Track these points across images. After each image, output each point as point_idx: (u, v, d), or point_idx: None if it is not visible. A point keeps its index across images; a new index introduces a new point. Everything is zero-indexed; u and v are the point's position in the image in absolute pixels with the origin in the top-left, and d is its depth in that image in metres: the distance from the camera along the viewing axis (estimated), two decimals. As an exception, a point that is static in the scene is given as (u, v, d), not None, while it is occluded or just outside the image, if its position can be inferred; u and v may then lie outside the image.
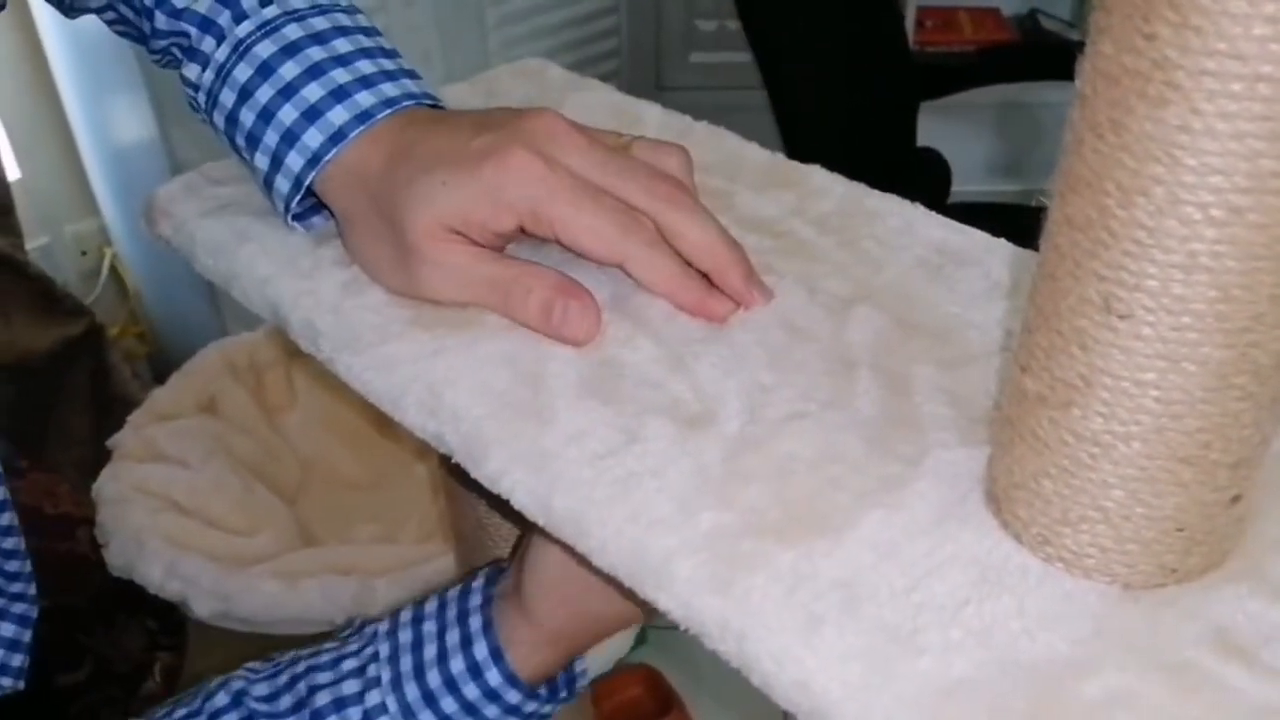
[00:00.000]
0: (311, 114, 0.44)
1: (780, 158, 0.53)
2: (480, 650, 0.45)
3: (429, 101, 0.46)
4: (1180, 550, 0.30)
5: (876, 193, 0.49)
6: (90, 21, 0.56)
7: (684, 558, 0.32)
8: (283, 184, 0.45)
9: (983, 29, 2.10)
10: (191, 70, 0.48)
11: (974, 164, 2.03)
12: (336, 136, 0.44)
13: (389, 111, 0.44)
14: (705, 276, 0.42)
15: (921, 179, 1.59)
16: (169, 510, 0.73)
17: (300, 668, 0.47)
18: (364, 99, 0.44)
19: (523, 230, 0.42)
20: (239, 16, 0.46)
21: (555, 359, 0.40)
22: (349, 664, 0.47)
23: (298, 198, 0.45)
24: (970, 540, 0.32)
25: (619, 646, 0.67)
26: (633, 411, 0.37)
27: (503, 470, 0.36)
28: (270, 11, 0.46)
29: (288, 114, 0.44)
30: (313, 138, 0.44)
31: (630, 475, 0.35)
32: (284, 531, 0.77)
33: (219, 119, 0.47)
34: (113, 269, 1.87)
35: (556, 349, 0.40)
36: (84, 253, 1.84)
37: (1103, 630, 0.29)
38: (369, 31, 0.47)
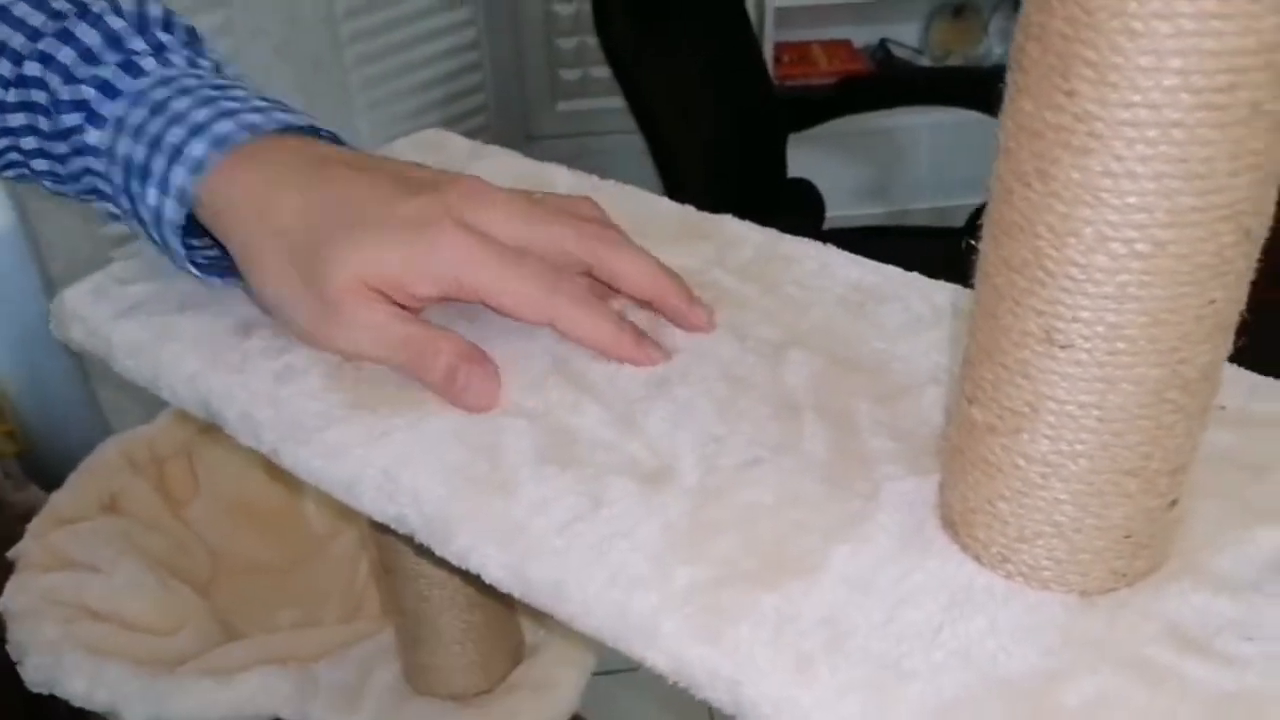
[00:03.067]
0: (198, 130, 0.44)
1: (691, 210, 0.54)
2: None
3: (325, 132, 0.47)
4: (1128, 555, 0.32)
5: (789, 237, 0.51)
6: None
7: (668, 614, 0.33)
8: (172, 210, 0.44)
9: (837, 60, 2.19)
10: (92, 135, 0.46)
11: (843, 190, 2.10)
12: (222, 143, 0.43)
13: (279, 127, 0.45)
14: (649, 306, 0.45)
15: (797, 208, 1.64)
16: (84, 618, 0.70)
17: None
18: (253, 117, 0.44)
19: (446, 298, 0.43)
20: (138, 73, 0.46)
21: (507, 430, 0.40)
22: None
23: (184, 219, 0.44)
24: (935, 566, 0.34)
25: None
26: (593, 474, 0.38)
27: (471, 547, 0.37)
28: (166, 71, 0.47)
29: (175, 135, 0.44)
30: (197, 149, 0.43)
31: (602, 539, 0.35)
32: (204, 626, 0.75)
33: (117, 175, 0.46)
34: (-25, 367, 1.77)
35: (507, 420, 0.41)
36: (-59, 353, 1.75)
37: (1069, 638, 0.31)
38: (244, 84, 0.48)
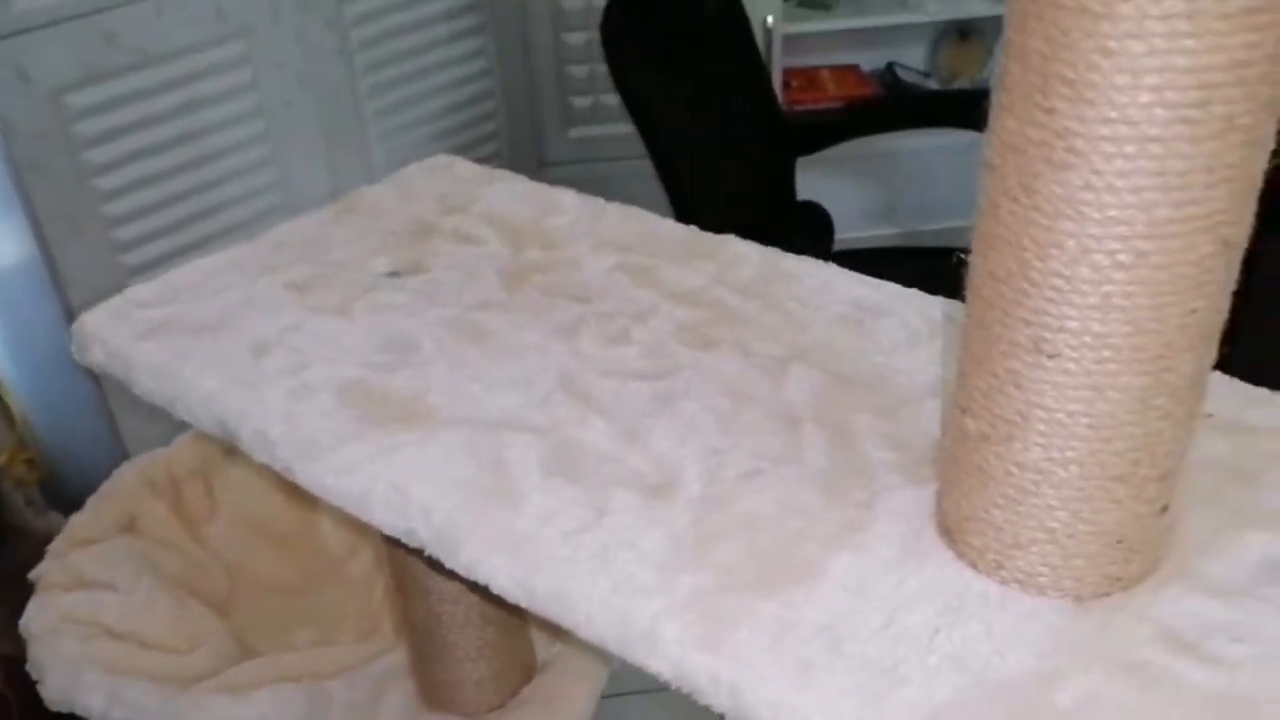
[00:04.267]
0: None
1: (695, 230, 0.55)
2: None
3: None
4: (1121, 560, 0.33)
5: (791, 255, 0.52)
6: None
7: (670, 620, 0.34)
8: None
9: (845, 85, 2.20)
10: None
11: (852, 213, 2.11)
12: None
13: None
14: None
15: (806, 231, 1.65)
16: (102, 637, 0.71)
17: None
18: None
19: None
20: None
21: (514, 445, 0.41)
22: None
23: None
24: (932, 572, 0.34)
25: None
26: (597, 486, 0.39)
27: (479, 559, 0.38)
28: None
29: None
30: None
31: (606, 548, 0.36)
32: (220, 645, 0.75)
33: None
34: (-5, 395, 1.79)
35: (513, 435, 0.42)
36: (-38, 380, 1.77)
37: (1063, 642, 0.32)
38: None
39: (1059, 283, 0.29)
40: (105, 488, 0.84)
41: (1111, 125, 0.26)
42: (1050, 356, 0.30)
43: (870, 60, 2.44)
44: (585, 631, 0.36)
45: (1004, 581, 0.34)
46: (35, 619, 0.72)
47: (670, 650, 0.33)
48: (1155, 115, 0.26)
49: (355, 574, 0.89)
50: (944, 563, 0.35)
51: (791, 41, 2.22)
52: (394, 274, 0.53)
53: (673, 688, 0.34)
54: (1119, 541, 0.32)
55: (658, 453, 0.40)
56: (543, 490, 0.39)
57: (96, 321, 0.51)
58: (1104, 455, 0.31)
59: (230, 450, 0.87)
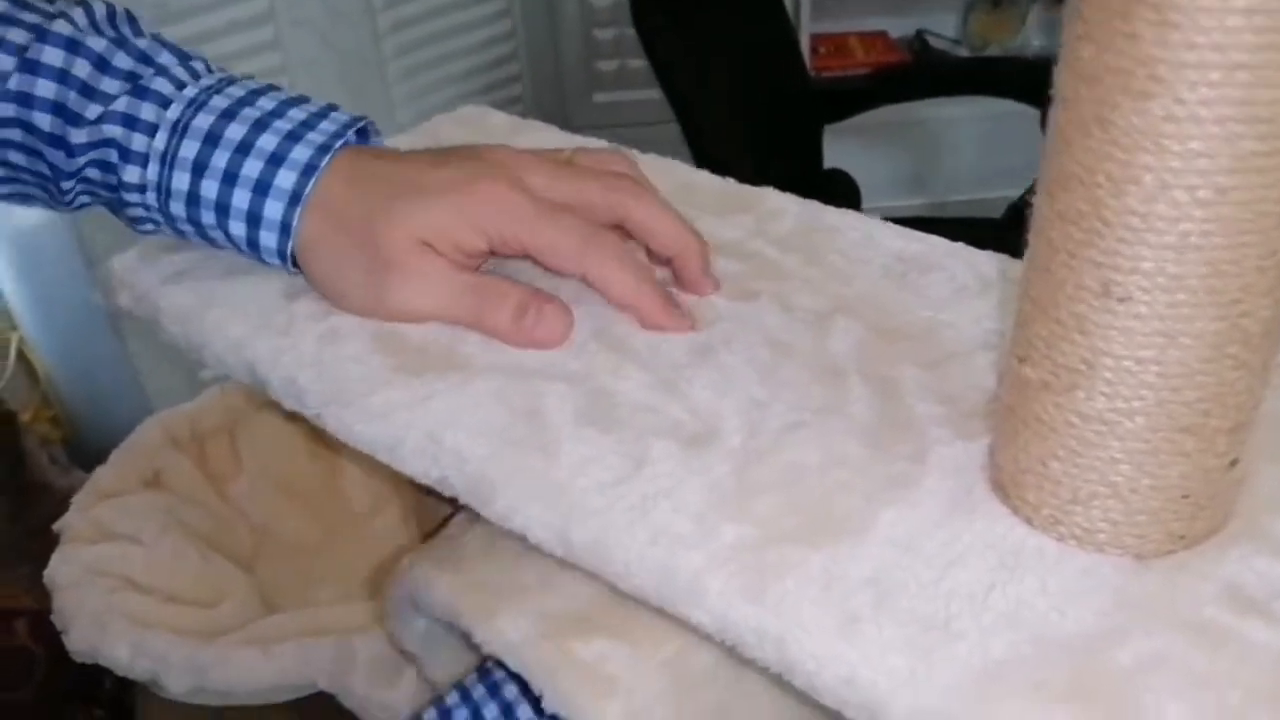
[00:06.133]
0: (275, 159, 0.44)
1: (731, 182, 0.54)
2: (524, 712, 0.44)
3: (370, 128, 0.48)
4: (1187, 517, 0.31)
5: (831, 208, 0.51)
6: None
7: (713, 572, 0.33)
8: (268, 238, 0.45)
9: (874, 51, 2.17)
10: (131, 173, 0.46)
11: (880, 181, 2.08)
12: (308, 170, 0.44)
13: (341, 142, 0.45)
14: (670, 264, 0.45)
15: (833, 200, 1.62)
16: (127, 589, 0.71)
17: None
18: (316, 136, 0.45)
19: (492, 253, 0.45)
20: (164, 103, 0.45)
21: (549, 394, 0.40)
22: None
23: (290, 244, 0.45)
24: (984, 528, 0.33)
25: None
26: (634, 437, 0.38)
27: (513, 508, 0.37)
28: (190, 91, 0.46)
29: (252, 167, 0.44)
30: (285, 179, 0.44)
31: (644, 499, 0.35)
32: (245, 600, 0.75)
33: (177, 207, 0.46)
34: (20, 354, 1.80)
35: (547, 384, 0.41)
36: (-12, 339, 1.77)
37: (1124, 600, 0.30)
38: (275, 87, 0.48)
39: (1134, 221, 0.27)
40: (129, 441, 0.83)
41: (1197, 51, 0.25)
42: (1120, 300, 0.28)
43: (899, 27, 2.41)
44: (625, 584, 0.35)
45: (1061, 538, 0.33)
46: (60, 570, 0.72)
47: (714, 602, 0.32)
48: (1243, 41, 0.24)
49: (379, 531, 0.88)
50: (997, 518, 0.34)
51: (820, 6, 2.19)
52: None
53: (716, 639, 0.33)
54: (1185, 497, 0.31)
55: (696, 403, 0.39)
56: (578, 440, 0.38)
57: (124, 265, 0.50)
58: (1173, 405, 0.29)
59: (253, 407, 0.87)
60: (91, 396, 1.81)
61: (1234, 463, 0.31)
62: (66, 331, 1.80)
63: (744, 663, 0.33)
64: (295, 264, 0.46)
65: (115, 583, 0.72)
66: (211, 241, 0.47)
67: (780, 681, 0.32)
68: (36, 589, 0.83)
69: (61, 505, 0.95)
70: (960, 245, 0.47)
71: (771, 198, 0.52)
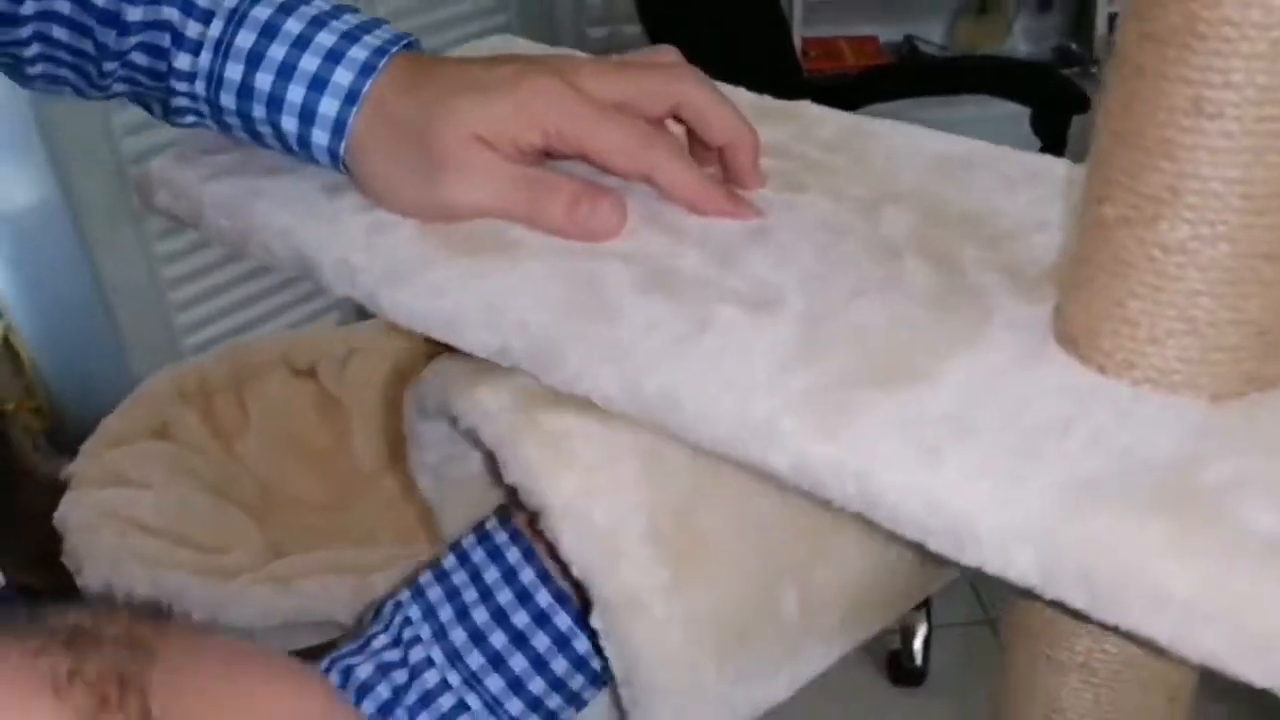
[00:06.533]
0: (333, 56, 0.44)
1: (768, 98, 0.54)
2: (526, 575, 0.44)
3: (415, 44, 0.47)
4: (1262, 355, 0.32)
5: (872, 118, 0.51)
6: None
7: (788, 413, 0.32)
8: (321, 136, 0.44)
9: (863, 56, 2.19)
10: (182, 60, 0.45)
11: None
12: (366, 69, 0.43)
13: (397, 48, 0.45)
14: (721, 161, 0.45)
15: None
16: (138, 532, 0.70)
17: (324, 663, 0.45)
18: (372, 40, 0.45)
19: (548, 155, 0.44)
20: None
21: (606, 270, 0.40)
22: (380, 640, 0.45)
23: (344, 143, 0.44)
24: (1057, 373, 0.33)
25: None
26: (696, 303, 0.38)
27: (582, 369, 0.36)
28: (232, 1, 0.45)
29: (309, 62, 0.44)
30: (343, 77, 0.43)
31: (714, 353, 0.35)
32: (256, 547, 0.74)
33: (227, 99, 0.45)
34: (5, 342, 1.78)
35: (603, 262, 0.40)
36: (-27, 327, 1.75)
37: (1206, 430, 0.31)
38: None
39: (1228, 31, 0.27)
40: (137, 392, 0.83)
41: None
42: (1210, 118, 0.28)
43: (889, 33, 2.43)
44: (697, 434, 0.34)
45: (1135, 382, 0.33)
46: (71, 512, 0.71)
47: (789, 443, 0.32)
48: None
49: (389, 491, 0.87)
50: (1069, 365, 0.34)
51: (812, 12, 2.21)
52: None
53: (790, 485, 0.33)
54: (1262, 333, 0.31)
55: (756, 276, 0.39)
56: (640, 306, 0.38)
57: (163, 166, 0.49)
58: (1256, 230, 0.29)
59: (265, 365, 0.86)
60: (77, 387, 1.79)
61: (1311, 299, 0.31)
62: (54, 321, 1.78)
63: (720, 471, 0.33)
64: (343, 165, 0.46)
65: (127, 525, 0.71)
66: (257, 136, 0.46)
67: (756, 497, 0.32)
68: (25, 569, 0.81)
69: (45, 491, 0.93)
70: (1005, 147, 0.47)
71: (812, 109, 0.52)
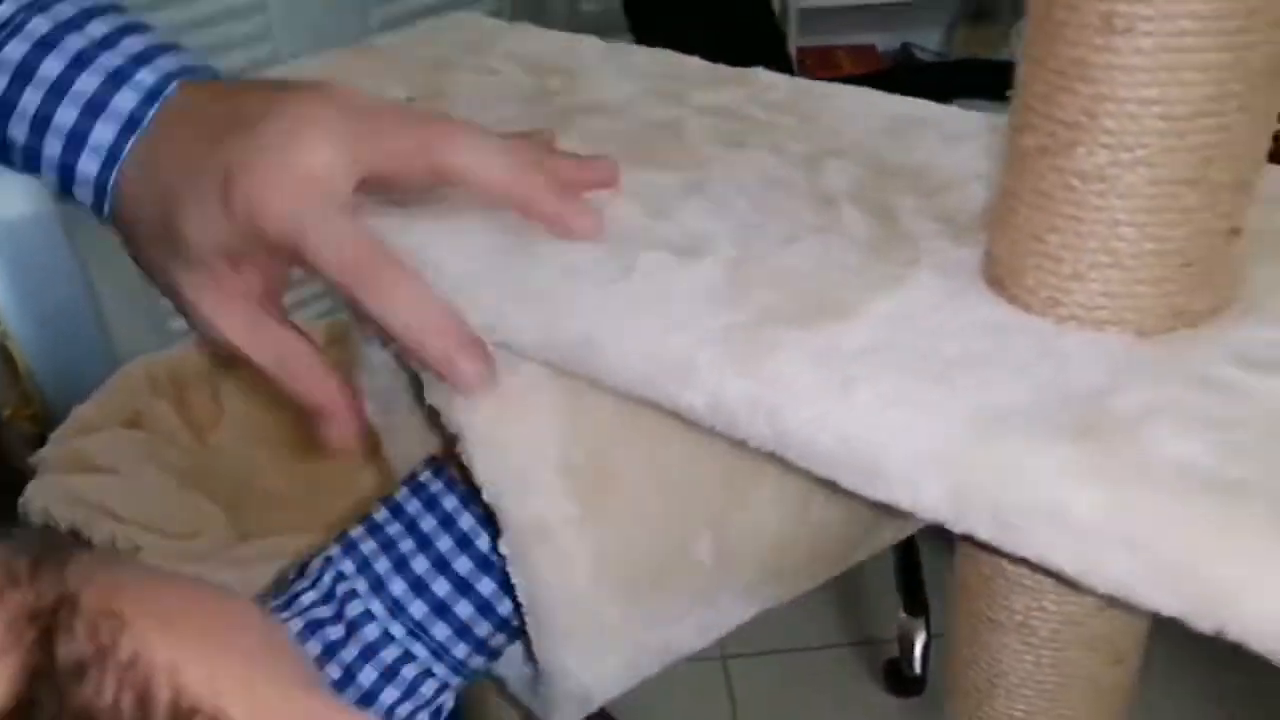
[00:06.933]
0: (93, 108, 0.39)
1: (723, 66, 0.53)
2: (465, 521, 0.43)
3: (207, 73, 0.42)
4: (1188, 289, 0.31)
5: (820, 84, 0.50)
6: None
7: (704, 349, 0.32)
8: (84, 193, 0.40)
9: (861, 64, 2.19)
10: None
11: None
12: (129, 126, 0.39)
13: (175, 85, 0.40)
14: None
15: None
16: (105, 519, 0.69)
17: None
18: (146, 78, 0.39)
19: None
20: None
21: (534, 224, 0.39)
22: (309, 596, 0.44)
23: (107, 204, 0.40)
24: (982, 312, 0.32)
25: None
26: (624, 249, 0.37)
27: (497, 313, 0.36)
28: (6, 9, 0.40)
29: (66, 115, 0.39)
30: (103, 134, 0.39)
31: (635, 296, 0.34)
32: (224, 536, 0.73)
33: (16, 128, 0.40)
34: (1, 349, 1.78)
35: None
36: (-33, 333, 1.76)
37: (1128, 362, 0.30)
38: (118, 7, 0.42)
39: (1135, -60, 0.27)
40: (110, 382, 0.82)
41: None
42: (1122, 33, 0.28)
43: (886, 41, 2.43)
44: (614, 377, 0.34)
45: (1061, 320, 0.32)
46: (35, 498, 0.70)
47: (706, 379, 0.31)
48: None
49: (366, 487, 0.86)
50: (995, 304, 0.33)
51: (807, 19, 2.21)
52: (410, 99, 0.51)
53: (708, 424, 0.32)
54: (1186, 265, 0.30)
55: (688, 225, 0.38)
56: (563, 253, 0.37)
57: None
58: (1178, 153, 0.29)
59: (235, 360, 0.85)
60: (71, 393, 1.79)
61: (1235, 231, 0.31)
62: (47, 328, 1.78)
63: (640, 414, 0.32)
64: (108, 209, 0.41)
65: (92, 512, 0.70)
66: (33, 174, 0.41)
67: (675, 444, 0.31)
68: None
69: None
70: (952, 107, 0.47)
71: (764, 75, 0.51)
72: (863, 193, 0.40)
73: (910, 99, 0.47)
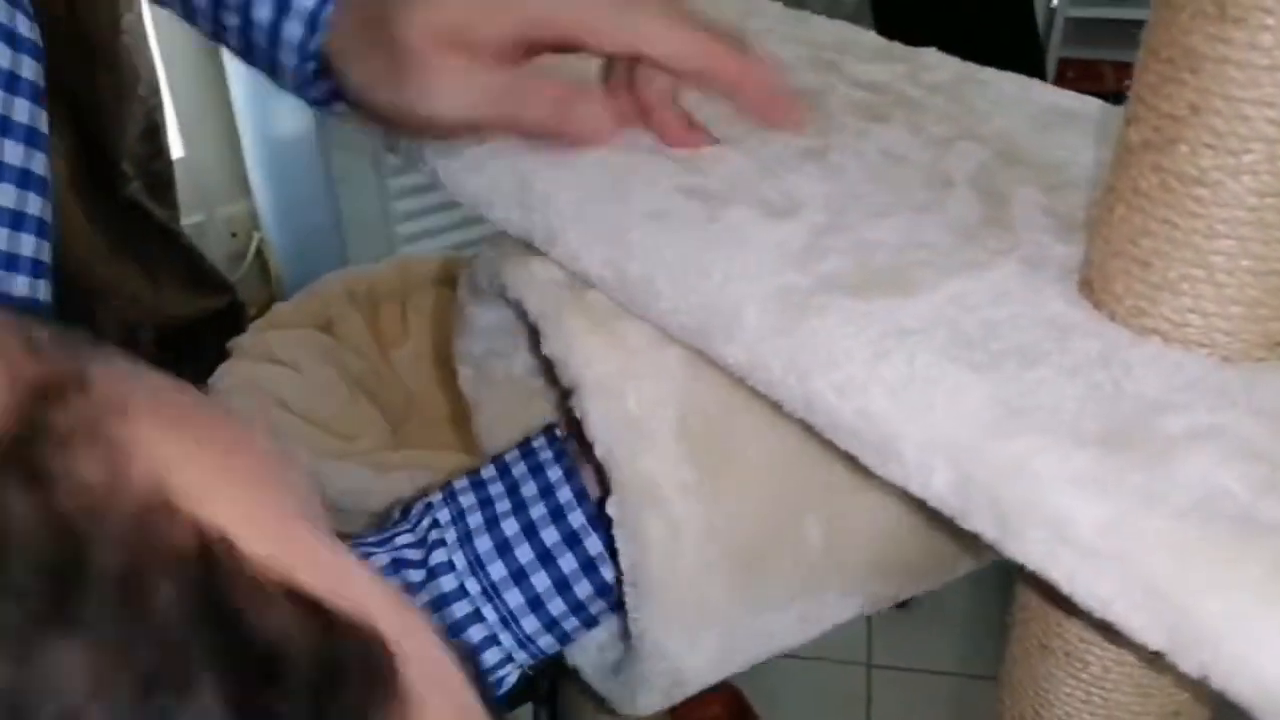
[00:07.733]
0: None
1: (898, 44, 0.52)
2: (563, 494, 0.42)
3: None
4: (1287, 316, 0.28)
5: (990, 70, 0.48)
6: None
7: (754, 305, 0.31)
8: (296, 31, 0.42)
9: (1127, 78, 2.04)
10: None
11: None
12: None
13: None
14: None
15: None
16: (276, 407, 0.75)
17: None
18: None
19: (527, 50, 0.40)
20: None
21: (647, 164, 0.39)
22: (404, 537, 0.44)
23: (317, 36, 0.42)
24: (1054, 309, 0.30)
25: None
26: (718, 201, 0.37)
27: (579, 246, 0.36)
28: None
29: None
30: None
31: (707, 245, 0.34)
32: (382, 443, 0.78)
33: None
34: (259, 253, 1.95)
35: (650, 157, 0.40)
36: (234, 234, 1.93)
37: (1195, 384, 0.27)
38: None
39: (1260, -83, 0.24)
40: (310, 287, 0.89)
41: None
42: (1237, 23, 0.25)
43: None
44: (669, 320, 0.34)
45: (1142, 332, 0.29)
46: (222, 379, 0.77)
47: (748, 335, 0.31)
48: None
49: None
50: (1073, 305, 0.30)
51: (1076, 27, 2.10)
52: None
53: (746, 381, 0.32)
54: (1289, 289, 0.27)
55: (790, 188, 0.38)
56: (656, 198, 0.37)
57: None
58: (1285, 161, 0.26)
59: (432, 281, 0.90)
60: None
61: (1355, 257, 0.27)
62: (302, 238, 1.93)
63: (757, 393, 0.31)
64: (311, 68, 0.43)
65: (267, 400, 0.76)
66: (221, 30, 0.44)
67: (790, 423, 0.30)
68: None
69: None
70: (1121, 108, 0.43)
71: (932, 55, 0.49)
72: (983, 178, 0.38)
73: (1073, 94, 0.44)
